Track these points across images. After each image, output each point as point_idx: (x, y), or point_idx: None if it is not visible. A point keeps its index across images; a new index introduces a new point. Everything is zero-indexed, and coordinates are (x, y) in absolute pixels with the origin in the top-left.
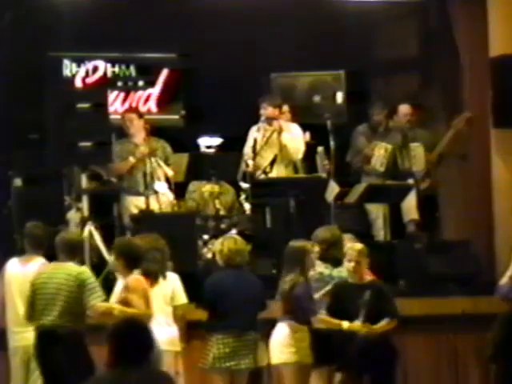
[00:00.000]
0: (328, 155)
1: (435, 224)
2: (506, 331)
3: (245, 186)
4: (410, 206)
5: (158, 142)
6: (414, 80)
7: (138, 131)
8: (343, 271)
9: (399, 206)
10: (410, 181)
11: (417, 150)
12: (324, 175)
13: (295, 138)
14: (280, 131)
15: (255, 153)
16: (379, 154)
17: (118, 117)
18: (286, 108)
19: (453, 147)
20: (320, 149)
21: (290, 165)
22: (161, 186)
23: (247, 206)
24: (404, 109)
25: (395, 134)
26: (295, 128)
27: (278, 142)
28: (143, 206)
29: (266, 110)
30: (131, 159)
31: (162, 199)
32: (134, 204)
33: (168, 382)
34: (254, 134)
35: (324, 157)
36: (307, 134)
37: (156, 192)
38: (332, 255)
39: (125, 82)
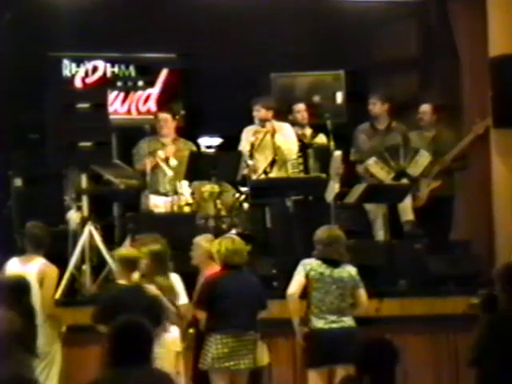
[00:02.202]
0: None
1: (442, 225)
2: (488, 333)
3: (245, 189)
4: (405, 206)
5: (185, 144)
6: (413, 80)
7: (169, 132)
8: (344, 272)
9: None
10: (405, 180)
11: (422, 157)
12: (324, 175)
13: (288, 139)
14: (273, 133)
15: (252, 156)
16: (377, 170)
17: (118, 117)
18: (302, 107)
19: (469, 151)
20: (338, 153)
21: (284, 165)
22: (184, 187)
23: (247, 206)
24: (423, 108)
25: (396, 135)
26: (287, 128)
27: (272, 143)
28: (162, 205)
29: (259, 112)
30: (161, 154)
31: (182, 199)
32: (153, 203)
33: (168, 382)
34: (251, 138)
35: (340, 161)
36: (307, 129)
37: (177, 193)
38: (330, 256)
39: (124, 82)
